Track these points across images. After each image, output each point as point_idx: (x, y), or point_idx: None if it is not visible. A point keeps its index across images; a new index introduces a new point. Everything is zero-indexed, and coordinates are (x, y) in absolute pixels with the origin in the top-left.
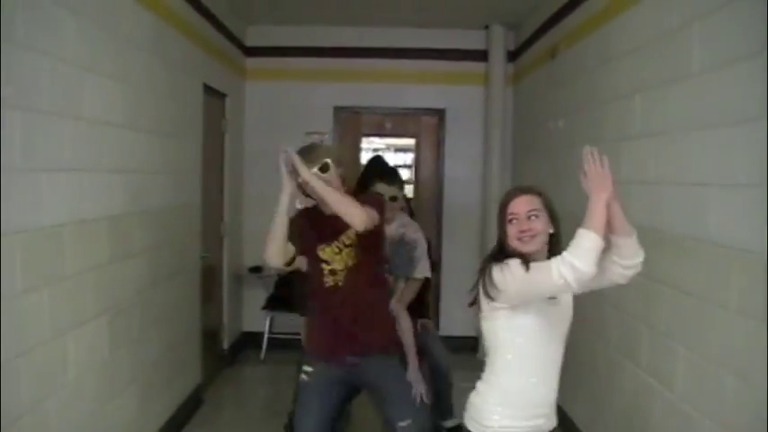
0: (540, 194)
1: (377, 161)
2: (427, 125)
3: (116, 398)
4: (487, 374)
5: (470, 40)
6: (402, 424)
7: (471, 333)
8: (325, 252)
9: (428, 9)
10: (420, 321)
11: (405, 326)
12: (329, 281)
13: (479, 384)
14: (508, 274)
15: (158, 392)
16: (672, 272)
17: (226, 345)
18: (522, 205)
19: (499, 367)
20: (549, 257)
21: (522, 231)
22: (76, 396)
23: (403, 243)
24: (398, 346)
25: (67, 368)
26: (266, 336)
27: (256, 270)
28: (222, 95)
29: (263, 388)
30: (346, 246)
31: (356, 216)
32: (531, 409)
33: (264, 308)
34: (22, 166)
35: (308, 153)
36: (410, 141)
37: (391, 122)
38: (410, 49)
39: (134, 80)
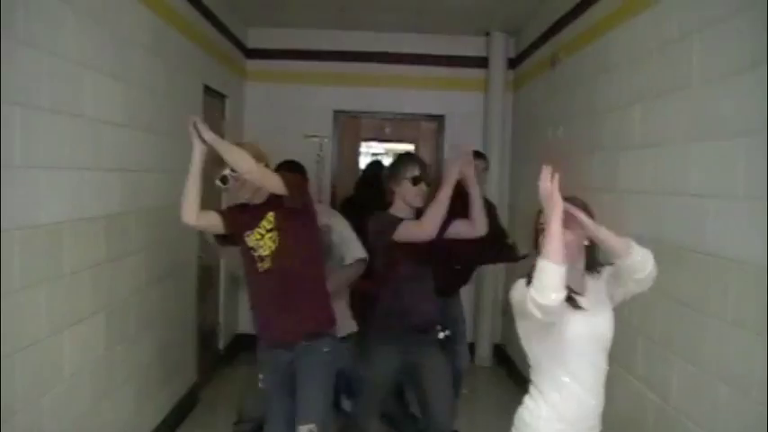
0: (574, 201)
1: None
2: (426, 131)
3: (111, 396)
4: (535, 390)
5: (471, 46)
6: (303, 428)
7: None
8: (250, 239)
9: (429, 14)
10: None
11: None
12: (259, 267)
13: (528, 400)
14: (515, 294)
15: (154, 392)
16: (669, 282)
17: (221, 345)
18: None
19: (548, 382)
20: (587, 268)
21: None
22: (72, 394)
23: None
24: (332, 323)
25: (63, 366)
26: None
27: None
28: (222, 97)
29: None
30: (268, 231)
31: (245, 164)
32: (583, 422)
33: None
34: (21, 164)
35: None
36: (409, 147)
37: (390, 127)
38: (411, 55)
39: (134, 79)
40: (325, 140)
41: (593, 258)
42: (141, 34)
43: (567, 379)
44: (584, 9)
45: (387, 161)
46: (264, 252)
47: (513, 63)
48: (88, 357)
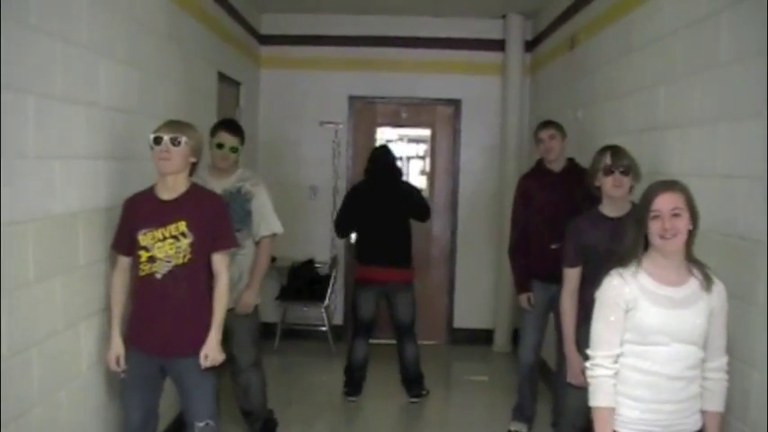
0: (683, 191)
1: (380, 151)
2: (443, 115)
3: None
4: None
5: (487, 29)
6: (200, 424)
7: (486, 325)
8: (145, 237)
9: None
10: None
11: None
12: (145, 269)
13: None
14: None
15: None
16: None
17: None
18: (666, 202)
19: None
20: (685, 254)
21: (665, 230)
22: (89, 387)
23: (239, 195)
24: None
25: (80, 359)
26: (280, 326)
27: (270, 260)
28: (237, 83)
29: (276, 378)
30: (174, 237)
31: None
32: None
33: (278, 298)
34: (34, 153)
35: (172, 124)
36: (424, 132)
37: (407, 112)
38: (426, 39)
39: (148, 66)
40: (341, 126)
41: (692, 242)
42: (155, 20)
43: None
44: None
45: (400, 147)
46: (159, 255)
47: (530, 45)
48: (103, 350)
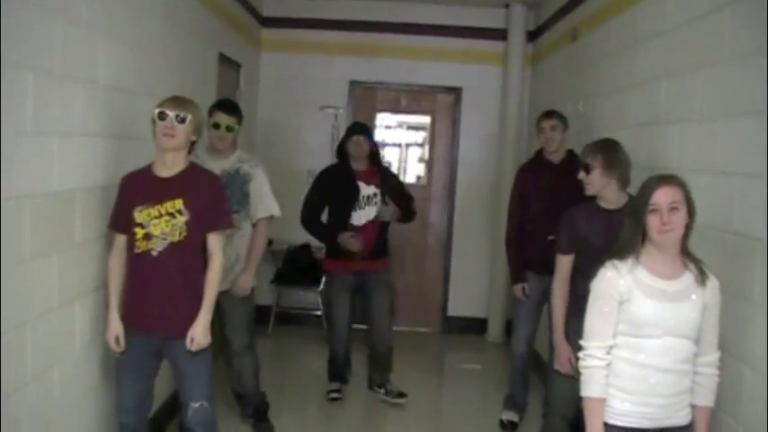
0: (681, 185)
1: (354, 129)
2: (443, 103)
3: None
4: None
5: (489, 18)
6: (195, 405)
7: (480, 314)
8: (141, 214)
9: None
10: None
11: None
12: (141, 246)
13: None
14: None
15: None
16: None
17: None
18: (664, 196)
19: None
20: (680, 248)
21: (664, 224)
22: (83, 366)
23: (237, 176)
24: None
25: (74, 338)
26: (274, 310)
27: (267, 243)
28: (237, 65)
29: (270, 361)
30: (170, 214)
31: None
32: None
33: (272, 282)
34: (32, 130)
35: (176, 100)
36: (424, 119)
37: (407, 99)
38: (428, 26)
39: (148, 46)
40: (340, 111)
41: (688, 236)
42: (155, 0)
43: None
44: None
45: (400, 133)
46: (155, 232)
47: (532, 36)
48: (99, 329)
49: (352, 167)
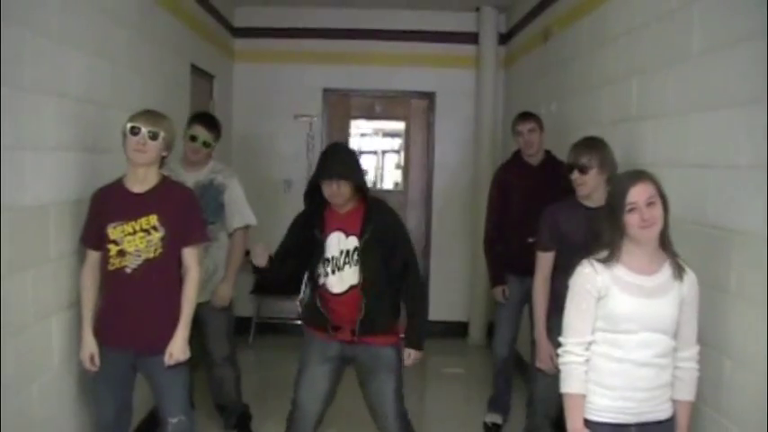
0: (652, 179)
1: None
2: (417, 108)
3: None
4: None
5: (461, 21)
6: (173, 420)
7: (461, 318)
8: (115, 230)
9: None
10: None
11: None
12: (115, 263)
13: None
14: None
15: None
16: None
17: None
18: (641, 193)
19: None
20: (659, 242)
21: (645, 220)
22: (61, 381)
23: (211, 187)
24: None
25: (52, 352)
26: (254, 320)
27: (245, 253)
28: (210, 76)
29: (252, 372)
30: (145, 230)
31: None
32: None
33: (252, 292)
34: (4, 143)
35: (149, 115)
36: (399, 125)
37: (381, 105)
38: (400, 31)
39: (119, 58)
40: (315, 120)
41: (666, 230)
42: (126, 12)
43: None
44: None
45: (375, 141)
46: (129, 248)
47: (504, 39)
48: (76, 344)
49: (323, 214)
